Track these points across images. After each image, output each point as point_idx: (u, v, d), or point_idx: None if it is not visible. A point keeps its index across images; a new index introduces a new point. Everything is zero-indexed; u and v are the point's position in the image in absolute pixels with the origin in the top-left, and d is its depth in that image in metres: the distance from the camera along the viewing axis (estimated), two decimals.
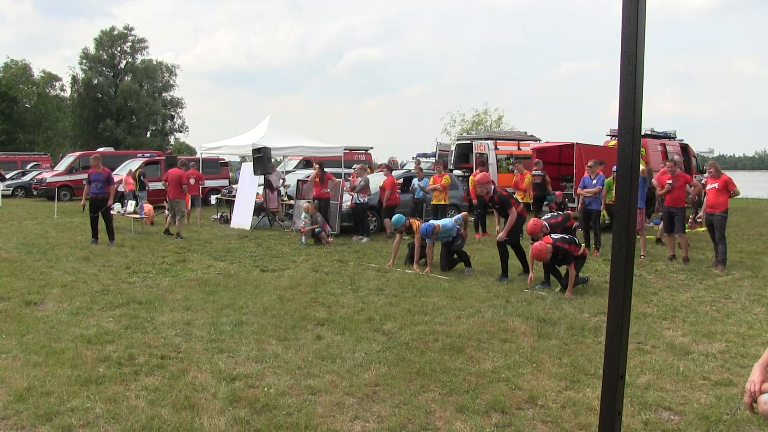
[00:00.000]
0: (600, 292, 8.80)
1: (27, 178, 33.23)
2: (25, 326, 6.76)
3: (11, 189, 32.04)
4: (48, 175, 29.97)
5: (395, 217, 11.41)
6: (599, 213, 12.94)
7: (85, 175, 15.08)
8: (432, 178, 15.29)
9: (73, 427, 4.28)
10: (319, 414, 4.57)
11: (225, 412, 4.54)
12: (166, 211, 15.58)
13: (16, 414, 4.48)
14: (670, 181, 11.92)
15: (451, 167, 23.14)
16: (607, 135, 22.81)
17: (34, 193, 30.27)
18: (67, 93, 71.26)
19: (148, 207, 15.61)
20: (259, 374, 5.36)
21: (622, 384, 2.51)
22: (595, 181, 12.72)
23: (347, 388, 5.08)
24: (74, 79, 68.54)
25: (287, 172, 21.79)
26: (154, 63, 71.85)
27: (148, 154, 29.52)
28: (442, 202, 14.99)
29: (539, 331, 6.80)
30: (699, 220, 15.80)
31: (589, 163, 12.99)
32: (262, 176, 16.90)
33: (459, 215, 11.57)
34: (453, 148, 25.64)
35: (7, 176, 33.98)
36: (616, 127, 2.38)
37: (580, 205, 13.54)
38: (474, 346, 6.24)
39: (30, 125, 65.97)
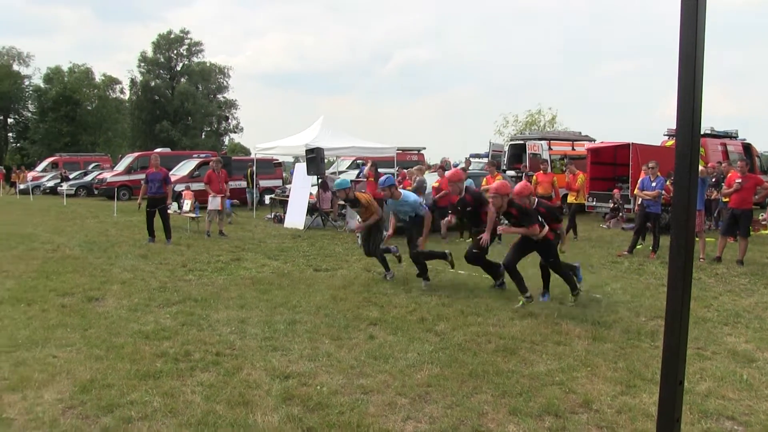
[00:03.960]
0: (657, 296, 8.57)
1: (89, 178, 34.30)
2: (87, 321, 6.98)
3: (74, 189, 33.14)
4: (108, 175, 30.87)
5: (339, 180, 10.61)
6: (658, 216, 12.63)
7: (143, 175, 15.48)
8: (485, 179, 15.17)
9: (133, 419, 4.40)
10: (372, 413, 4.58)
11: (278, 410, 4.59)
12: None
13: (81, 404, 4.64)
14: (739, 180, 11.55)
15: (504, 168, 22.94)
16: (665, 135, 22.29)
17: (95, 192, 31.23)
18: (126, 95, 73.40)
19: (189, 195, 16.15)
20: (311, 373, 5.41)
21: (681, 390, 2.44)
22: (654, 184, 12.39)
23: (399, 388, 5.07)
24: (133, 81, 70.59)
25: (340, 173, 21.96)
26: (208, 65, 73.25)
27: (203, 155, 30.10)
28: None
29: (594, 334, 6.67)
30: (764, 223, 15.28)
31: (650, 164, 12.64)
32: (316, 176, 17.06)
33: (423, 202, 9.95)
34: (506, 148, 25.40)
35: (71, 176, 35.19)
36: (673, 126, 2.32)
37: (637, 207, 13.24)
38: (527, 348, 6.17)
39: (91, 127, 68.06)
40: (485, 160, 23.51)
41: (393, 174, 17.04)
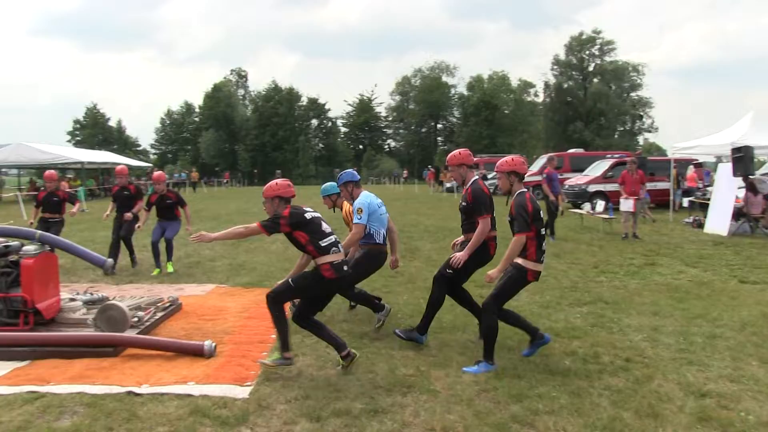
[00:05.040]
0: None
1: None
2: None
3: (493, 188, 35.57)
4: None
5: (327, 185, 7.59)
6: None
7: (559, 176, 16.04)
8: None
9: (539, 412, 4.53)
10: None
11: (692, 429, 4.25)
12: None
13: (493, 389, 4.97)
14: None
15: None
16: None
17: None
18: (540, 98, 76.89)
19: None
20: (734, 395, 4.85)
21: None
22: None
23: None
24: (546, 84, 73.51)
25: None
26: (621, 64, 71.82)
27: (617, 155, 29.56)
28: None
29: None
30: None
31: None
32: (743, 177, 15.39)
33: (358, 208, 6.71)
34: None
35: (489, 176, 37.91)
36: None
37: None
38: None
39: (508, 129, 73.19)
40: None
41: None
